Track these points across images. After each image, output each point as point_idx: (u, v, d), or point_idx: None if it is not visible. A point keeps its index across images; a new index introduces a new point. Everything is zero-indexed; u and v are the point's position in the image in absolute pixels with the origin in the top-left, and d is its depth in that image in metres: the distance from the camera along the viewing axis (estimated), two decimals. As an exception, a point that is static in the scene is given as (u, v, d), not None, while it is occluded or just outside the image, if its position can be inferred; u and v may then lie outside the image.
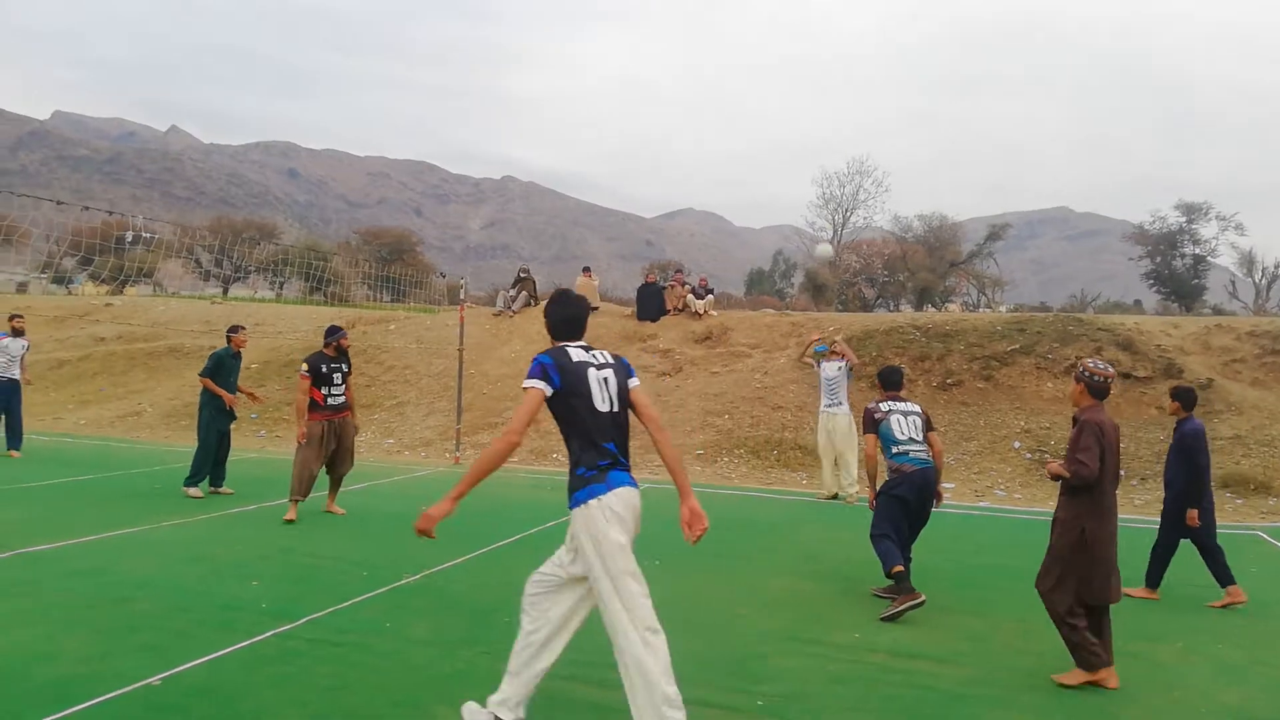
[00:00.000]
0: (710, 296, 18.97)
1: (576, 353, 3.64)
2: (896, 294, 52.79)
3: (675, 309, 18.63)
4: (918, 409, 6.34)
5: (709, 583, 6.47)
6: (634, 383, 3.75)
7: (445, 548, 7.16)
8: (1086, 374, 4.81)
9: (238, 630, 4.90)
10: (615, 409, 3.63)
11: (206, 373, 9.60)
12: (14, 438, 12.07)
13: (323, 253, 39.14)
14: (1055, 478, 4.75)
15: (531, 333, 18.35)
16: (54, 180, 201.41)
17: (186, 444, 9.71)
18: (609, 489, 3.53)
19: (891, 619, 5.61)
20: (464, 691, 4.16)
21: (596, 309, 19.44)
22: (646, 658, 3.42)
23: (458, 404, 13.74)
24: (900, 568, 5.78)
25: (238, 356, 9.87)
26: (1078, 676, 4.59)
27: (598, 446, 3.55)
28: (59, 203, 10.73)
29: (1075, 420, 4.82)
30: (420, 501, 9.58)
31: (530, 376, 3.55)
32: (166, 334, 21.35)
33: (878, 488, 6.22)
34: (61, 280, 44.02)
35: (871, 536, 6.08)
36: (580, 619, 3.75)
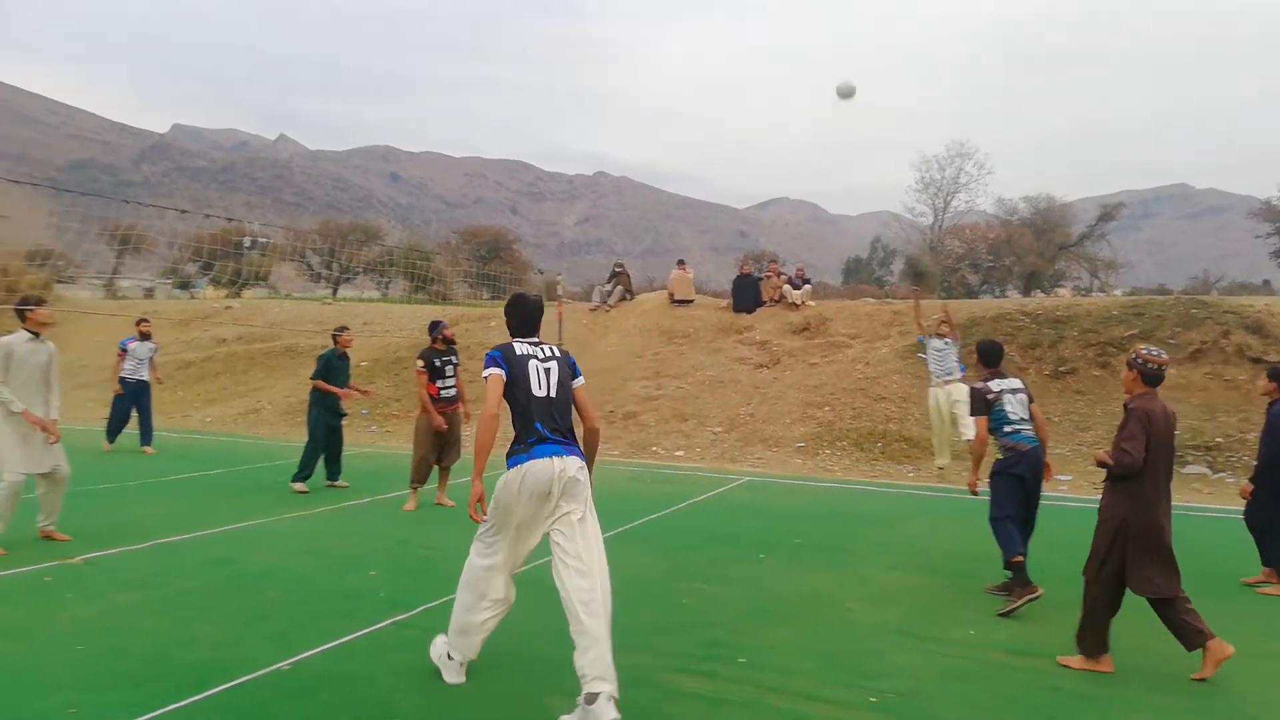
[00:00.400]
0: (807, 286, 18.70)
1: (522, 347, 4.25)
2: (1002, 279, 50.91)
3: (771, 300, 18.44)
4: (1021, 384, 6.16)
5: (816, 577, 6.39)
6: (578, 382, 4.42)
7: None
8: (1140, 360, 4.67)
9: (358, 618, 5.09)
10: (553, 395, 4.18)
11: (317, 375, 9.91)
12: (146, 435, 12.85)
13: (425, 252, 40.27)
14: (1100, 465, 4.62)
15: (628, 327, 18.47)
16: (175, 190, 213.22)
17: (302, 439, 10.12)
18: (529, 459, 4.02)
19: (1008, 615, 5.43)
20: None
21: (692, 301, 19.40)
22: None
23: (558, 398, 13.95)
24: (1020, 557, 5.59)
25: (345, 358, 10.13)
26: (1080, 662, 4.58)
27: (529, 426, 4.09)
28: (183, 211, 11.35)
29: (1125, 407, 4.67)
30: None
31: (487, 367, 4.17)
32: (282, 334, 22.34)
33: (994, 468, 6.01)
34: (185, 285, 46.59)
35: (992, 520, 5.89)
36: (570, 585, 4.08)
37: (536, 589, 4.76)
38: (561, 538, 4.06)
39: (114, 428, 12.77)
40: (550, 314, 17.55)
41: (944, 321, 11.33)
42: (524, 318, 4.43)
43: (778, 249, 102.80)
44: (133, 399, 12.77)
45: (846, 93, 8.50)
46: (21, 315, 6.74)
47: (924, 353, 11.60)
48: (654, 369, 16.38)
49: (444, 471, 8.98)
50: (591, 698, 3.67)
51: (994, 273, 51.03)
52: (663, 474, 11.59)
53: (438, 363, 8.69)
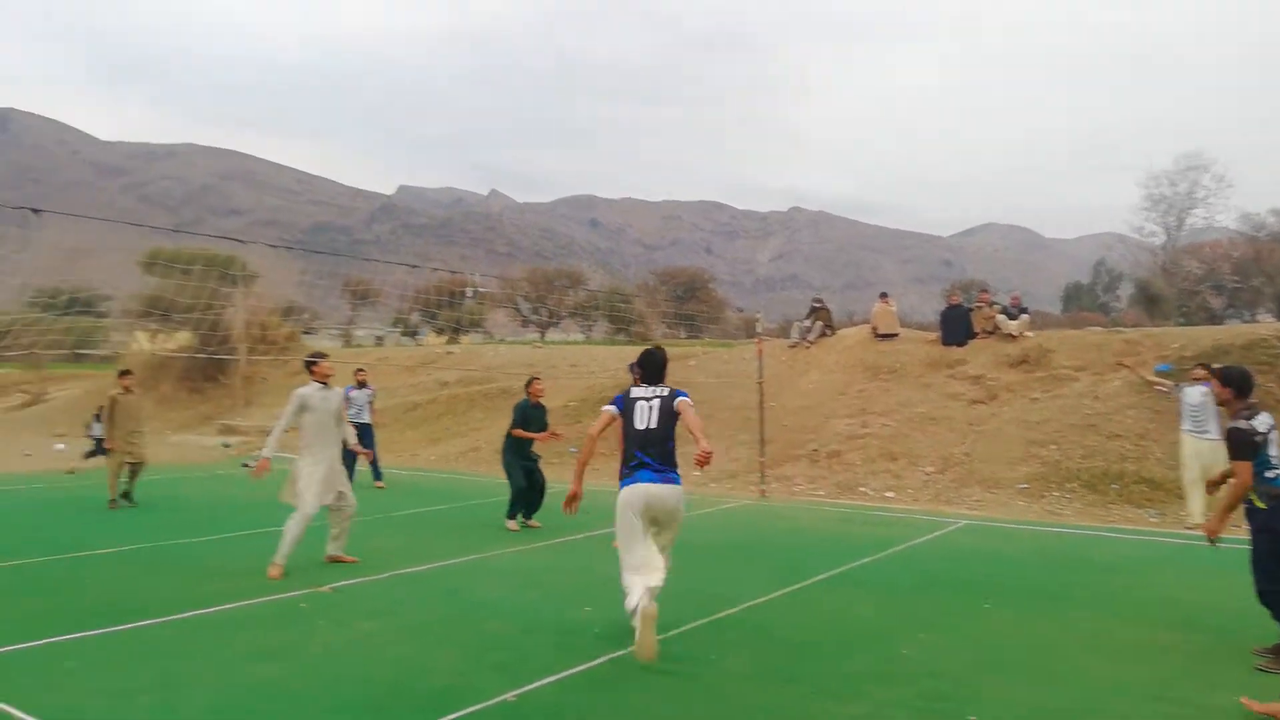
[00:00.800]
0: (1025, 316, 17.58)
1: (637, 391, 5.54)
2: (1251, 302, 45.60)
3: (984, 331, 17.48)
4: (1273, 421, 5.40)
5: (1048, 628, 5.92)
6: (681, 400, 5.40)
7: (761, 581, 7.20)
8: None
9: (575, 653, 5.24)
10: (652, 428, 5.34)
11: (515, 425, 10.25)
12: (376, 472, 13.99)
13: (625, 295, 41.53)
14: None
15: (829, 363, 18.10)
16: (400, 246, 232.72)
17: (518, 477, 10.58)
18: (631, 483, 5.29)
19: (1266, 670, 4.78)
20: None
21: (897, 335, 18.75)
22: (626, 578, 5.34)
23: (760, 436, 13.83)
24: None
25: (539, 407, 10.37)
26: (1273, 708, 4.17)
27: (631, 452, 5.37)
28: (413, 266, 12.38)
29: None
30: (733, 533, 9.75)
31: (607, 406, 5.60)
32: (497, 377, 23.68)
33: (1259, 523, 5.32)
34: (410, 333, 50.51)
35: (1262, 593, 5.22)
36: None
37: (754, 632, 4.72)
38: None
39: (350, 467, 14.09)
40: (749, 351, 17.57)
41: (1201, 366, 10.22)
42: (651, 368, 5.63)
43: (987, 277, 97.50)
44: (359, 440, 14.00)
45: None
46: (310, 368, 7.79)
47: (1164, 388, 10.57)
48: (859, 406, 15.93)
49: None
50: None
51: (1241, 295, 45.82)
52: (874, 515, 11.20)
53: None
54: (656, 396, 5.41)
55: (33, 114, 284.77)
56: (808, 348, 19.37)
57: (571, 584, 7.16)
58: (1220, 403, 5.70)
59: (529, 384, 10.50)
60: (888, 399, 15.90)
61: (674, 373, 20.50)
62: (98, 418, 15.76)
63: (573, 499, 5.67)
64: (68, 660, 5.01)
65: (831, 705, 4.50)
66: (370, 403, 14.34)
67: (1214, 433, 9.65)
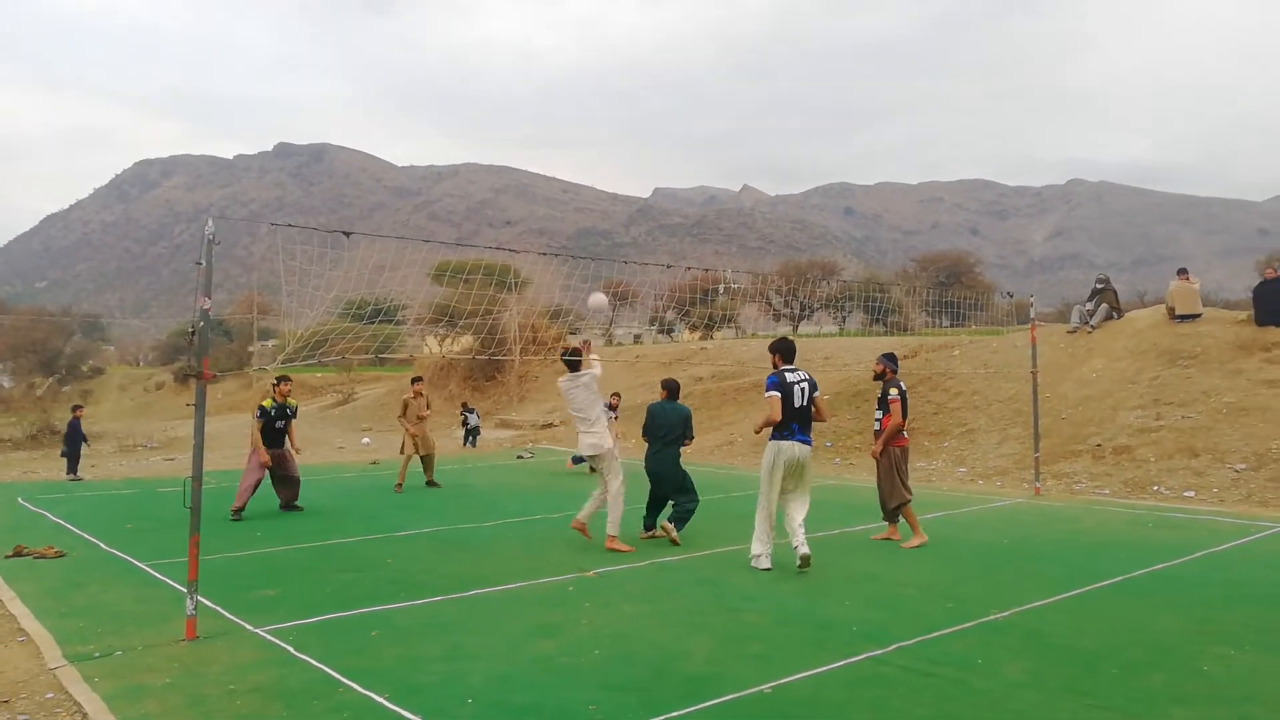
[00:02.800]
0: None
1: (789, 375, 7.36)
2: None
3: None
4: None
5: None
6: (816, 394, 7.47)
7: (1036, 585, 6.71)
8: None
9: (831, 649, 5.15)
10: (804, 404, 7.35)
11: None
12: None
13: (881, 284, 40.15)
14: None
15: (1116, 349, 16.41)
16: (656, 247, 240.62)
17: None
18: (785, 439, 7.29)
19: None
20: None
21: (1199, 315, 16.63)
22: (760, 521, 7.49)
23: (1034, 430, 12.82)
24: None
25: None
26: None
27: (788, 424, 7.26)
28: (667, 265, 12.71)
29: None
30: (1003, 533, 9.13)
31: (769, 390, 7.34)
32: (749, 371, 23.80)
33: None
34: (666, 330, 52.08)
35: None
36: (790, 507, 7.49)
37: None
38: (790, 494, 7.48)
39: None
40: (1021, 338, 16.28)
41: None
42: (784, 350, 7.58)
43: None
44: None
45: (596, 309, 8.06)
46: (569, 363, 8.43)
47: None
48: (1152, 396, 14.31)
49: (901, 510, 8.65)
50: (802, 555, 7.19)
51: None
52: (1170, 518, 10.03)
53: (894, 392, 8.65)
54: (804, 380, 7.38)
55: (344, 147, 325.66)
56: (1090, 333, 17.68)
57: (828, 579, 7.04)
58: None
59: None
60: (1188, 387, 14.15)
61: (934, 363, 19.65)
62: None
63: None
64: (373, 629, 5.69)
65: (1120, 723, 4.09)
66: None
67: None
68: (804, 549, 7.15)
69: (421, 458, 13.53)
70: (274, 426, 10.92)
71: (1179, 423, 13.24)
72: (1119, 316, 17.99)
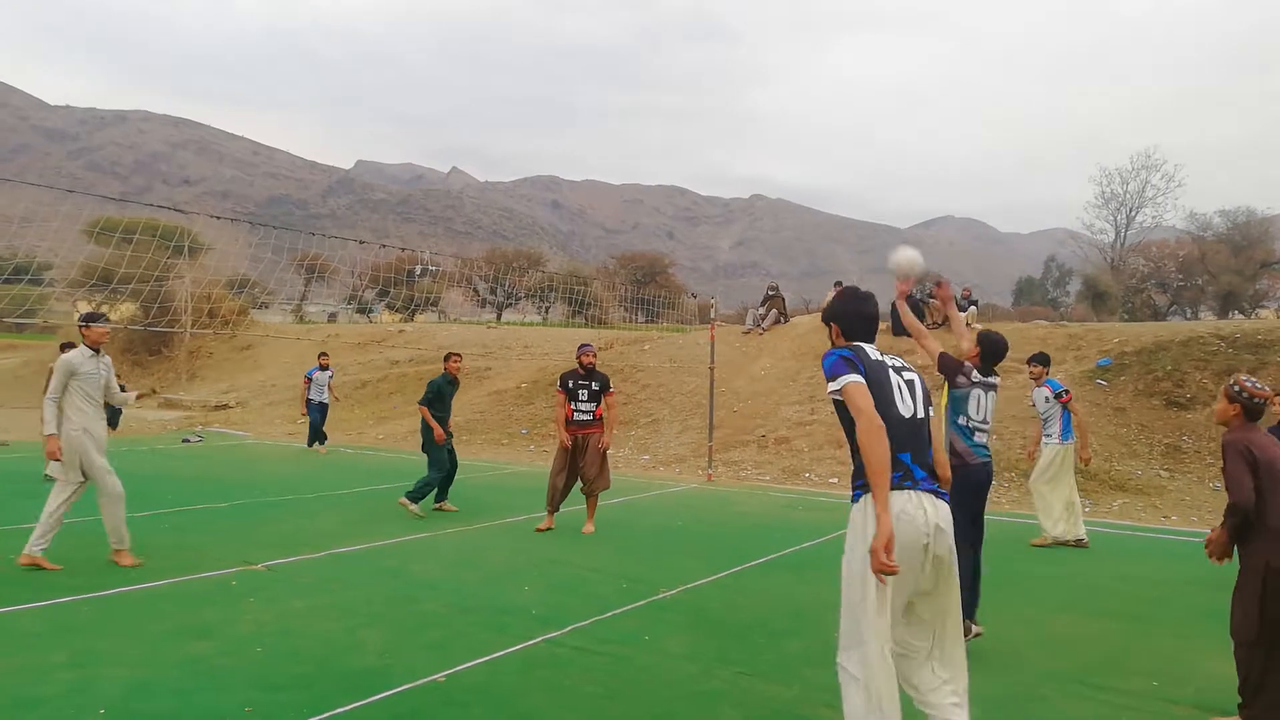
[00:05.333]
0: (973, 308, 17.88)
1: (874, 352, 3.30)
2: (1194, 300, 46.88)
3: (934, 323, 17.70)
4: None
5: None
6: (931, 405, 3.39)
7: (701, 564, 7.23)
8: (1242, 394, 4.29)
9: (510, 634, 5.20)
10: (919, 415, 3.22)
11: (425, 401, 9.90)
12: (315, 437, 15.54)
13: (583, 278, 41.38)
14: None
15: (782, 350, 18.23)
16: (357, 222, 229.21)
17: (464, 458, 10.50)
18: (898, 489, 3.06)
19: None
20: (722, 710, 4.14)
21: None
22: None
23: (709, 421, 13.90)
24: None
25: (455, 383, 10.19)
26: None
27: (895, 453, 3.04)
28: (361, 242, 12.16)
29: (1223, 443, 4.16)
30: (677, 516, 9.77)
31: (837, 375, 3.14)
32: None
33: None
34: (364, 310, 49.82)
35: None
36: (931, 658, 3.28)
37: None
38: (924, 620, 3.22)
39: (314, 436, 15.61)
40: (703, 336, 17.62)
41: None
42: (866, 314, 3.47)
43: (943, 269, 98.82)
44: (319, 415, 15.54)
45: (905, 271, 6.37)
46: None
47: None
48: (808, 393, 16.07)
49: (590, 499, 8.85)
50: None
51: (1184, 293, 47.13)
52: (817, 501, 11.31)
53: (571, 384, 8.83)
54: (908, 369, 3.45)
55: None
56: (760, 334, 19.48)
57: (510, 564, 7.12)
58: None
59: (447, 359, 10.35)
60: (837, 387, 16.07)
61: (628, 356, 20.52)
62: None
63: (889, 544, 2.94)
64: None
65: (765, 686, 4.53)
66: (329, 383, 15.77)
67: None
68: None
69: None
70: None
71: (829, 418, 14.97)
72: (785, 321, 20.02)
